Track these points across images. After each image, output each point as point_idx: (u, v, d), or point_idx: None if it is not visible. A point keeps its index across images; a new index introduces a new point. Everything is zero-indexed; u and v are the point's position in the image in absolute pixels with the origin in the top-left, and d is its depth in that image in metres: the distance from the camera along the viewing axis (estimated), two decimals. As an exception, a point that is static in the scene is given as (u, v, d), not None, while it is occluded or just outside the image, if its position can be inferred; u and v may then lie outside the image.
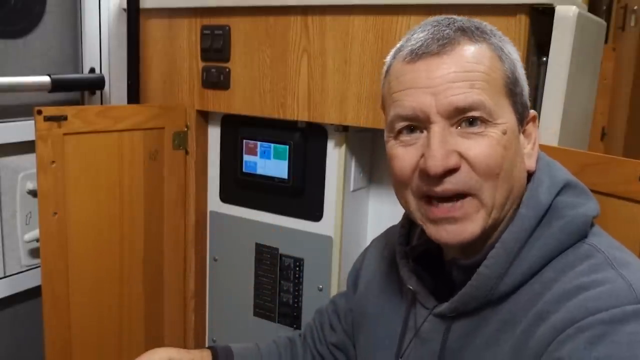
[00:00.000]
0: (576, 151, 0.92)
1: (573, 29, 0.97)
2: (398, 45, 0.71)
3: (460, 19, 0.69)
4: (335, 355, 0.94)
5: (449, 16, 0.70)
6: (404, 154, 0.67)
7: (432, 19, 0.70)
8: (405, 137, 0.67)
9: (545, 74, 1.00)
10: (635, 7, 2.44)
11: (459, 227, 0.65)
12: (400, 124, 0.67)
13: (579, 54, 1.01)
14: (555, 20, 0.98)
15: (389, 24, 1.12)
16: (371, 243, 0.95)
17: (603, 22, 1.28)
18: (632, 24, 2.45)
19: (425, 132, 0.66)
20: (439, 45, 0.65)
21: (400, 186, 0.70)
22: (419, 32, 0.68)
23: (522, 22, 1.00)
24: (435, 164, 0.63)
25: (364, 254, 0.95)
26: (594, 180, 0.77)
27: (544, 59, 1.02)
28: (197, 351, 0.90)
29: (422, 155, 0.65)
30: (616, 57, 2.45)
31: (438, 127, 0.64)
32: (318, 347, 0.96)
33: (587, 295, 0.59)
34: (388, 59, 0.72)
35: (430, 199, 0.66)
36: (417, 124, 0.66)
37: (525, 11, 1.00)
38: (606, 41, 2.28)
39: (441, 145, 0.63)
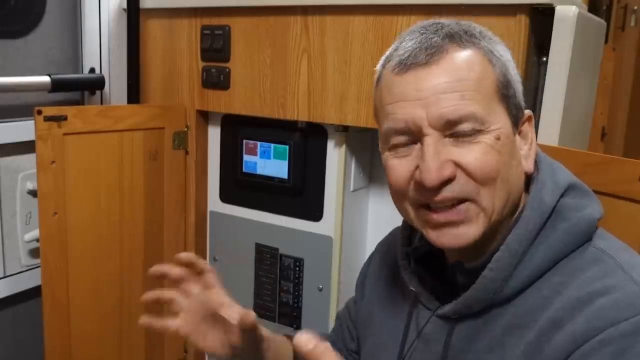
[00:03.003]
0: (576, 151, 0.92)
1: (573, 29, 0.97)
2: (387, 53, 0.70)
3: (449, 23, 0.67)
4: None
5: (437, 21, 0.68)
6: (398, 165, 0.67)
7: (419, 24, 0.69)
8: (399, 149, 0.67)
9: (545, 74, 1.00)
10: (635, 7, 2.45)
11: (460, 230, 0.65)
12: (395, 139, 0.67)
13: (579, 54, 1.01)
14: (555, 20, 0.98)
15: (389, 24, 1.12)
16: (376, 247, 0.95)
17: (603, 22, 1.28)
18: (632, 24, 2.45)
19: (419, 143, 0.65)
20: (427, 55, 0.64)
21: (397, 196, 0.70)
22: (407, 40, 0.67)
23: (522, 22, 1.00)
24: (431, 177, 0.62)
25: (370, 260, 0.95)
26: (594, 180, 0.76)
27: (544, 59, 1.02)
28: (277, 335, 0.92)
29: (417, 167, 0.65)
30: (616, 57, 2.45)
31: (431, 139, 0.63)
32: (345, 355, 0.97)
33: (603, 303, 0.59)
34: (378, 67, 0.71)
35: (429, 206, 0.66)
36: (411, 136, 0.66)
37: (525, 11, 1.00)
38: (606, 41, 2.28)
39: (435, 157, 0.63)
